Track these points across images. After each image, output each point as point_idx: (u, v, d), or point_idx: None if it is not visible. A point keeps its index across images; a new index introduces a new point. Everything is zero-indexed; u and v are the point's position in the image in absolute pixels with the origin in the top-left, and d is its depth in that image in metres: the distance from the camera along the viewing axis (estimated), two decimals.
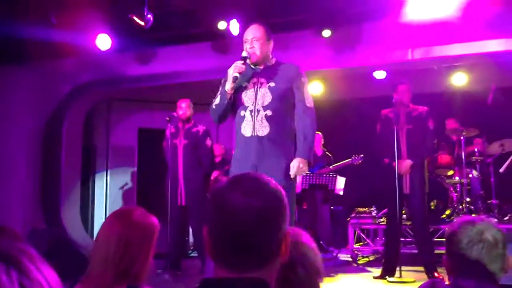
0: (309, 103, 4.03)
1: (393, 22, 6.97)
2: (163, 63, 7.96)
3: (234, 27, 6.85)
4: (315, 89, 9.23)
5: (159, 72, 8.03)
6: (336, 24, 6.87)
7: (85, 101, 8.79)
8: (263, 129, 3.88)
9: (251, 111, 3.92)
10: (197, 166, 6.83)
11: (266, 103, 3.91)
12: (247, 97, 3.97)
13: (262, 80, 3.98)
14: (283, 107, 3.95)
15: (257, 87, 3.96)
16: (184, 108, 6.85)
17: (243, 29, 6.79)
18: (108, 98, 9.45)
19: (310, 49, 7.48)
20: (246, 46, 4.01)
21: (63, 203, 8.33)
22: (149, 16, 6.54)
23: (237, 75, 3.86)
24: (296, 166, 3.85)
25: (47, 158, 8.40)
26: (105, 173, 9.55)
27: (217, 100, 4.02)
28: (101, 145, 9.59)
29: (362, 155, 7.99)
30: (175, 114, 6.82)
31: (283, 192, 1.41)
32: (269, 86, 3.95)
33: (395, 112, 5.85)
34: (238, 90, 3.98)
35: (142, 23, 6.54)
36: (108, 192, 9.48)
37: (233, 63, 3.97)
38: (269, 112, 3.89)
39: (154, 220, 2.25)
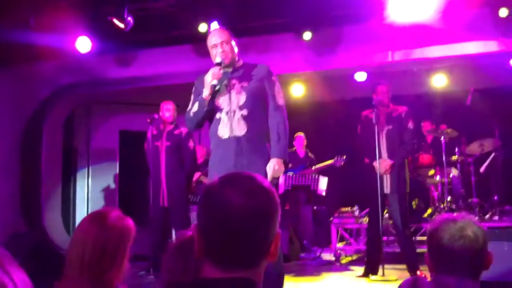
0: (280, 101, 4.04)
1: (373, 24, 7.04)
2: (143, 65, 7.94)
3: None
4: (296, 91, 9.27)
5: (140, 74, 8.01)
6: (317, 27, 6.91)
7: (65, 104, 8.73)
8: (240, 129, 3.89)
9: (227, 112, 3.93)
10: (180, 167, 6.83)
11: (241, 103, 3.93)
12: (221, 99, 3.97)
13: (234, 81, 3.99)
14: (258, 105, 3.97)
15: (230, 89, 3.97)
16: (171, 110, 6.86)
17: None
18: (88, 100, 9.39)
19: (291, 52, 7.52)
20: (217, 50, 3.99)
21: (44, 206, 8.27)
22: (129, 18, 6.52)
23: (216, 82, 3.88)
24: (272, 167, 3.85)
25: (28, 161, 8.32)
26: (86, 175, 9.49)
27: (194, 108, 4.00)
28: (82, 148, 9.52)
29: (344, 156, 8.05)
30: (156, 115, 6.80)
31: (275, 193, 1.42)
32: (242, 86, 3.97)
33: (375, 113, 5.90)
34: (213, 94, 3.97)
35: (122, 25, 6.52)
36: (89, 194, 9.43)
37: (214, 66, 3.97)
38: (244, 112, 3.91)
39: (130, 222, 2.23)
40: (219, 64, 3.93)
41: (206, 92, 3.92)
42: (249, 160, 3.87)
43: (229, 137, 3.91)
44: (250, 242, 1.35)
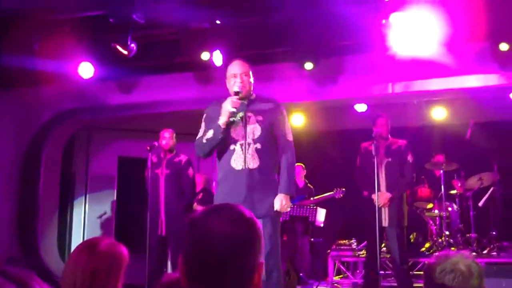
0: (290, 137, 4.19)
1: (374, 56, 7.09)
2: (145, 92, 7.97)
3: (217, 58, 6.90)
4: (296, 120, 9.29)
5: (141, 101, 8.03)
6: (318, 57, 6.95)
7: (65, 129, 8.74)
8: (254, 162, 3.98)
9: (241, 144, 4.00)
10: (179, 196, 6.80)
11: (256, 137, 4.01)
12: (236, 131, 4.03)
13: (249, 114, 4.07)
14: (270, 140, 4.07)
15: (246, 121, 4.04)
16: (167, 138, 6.85)
17: (226, 60, 6.90)
18: (89, 126, 9.40)
19: (292, 81, 7.55)
20: (236, 80, 4.07)
21: (40, 231, 8.21)
22: (132, 45, 6.56)
23: (234, 109, 3.95)
24: (279, 203, 3.97)
25: (26, 184, 8.30)
26: (83, 201, 9.44)
27: (208, 134, 4.04)
28: (80, 173, 9.50)
29: (344, 189, 8.02)
30: (156, 143, 6.79)
31: (258, 223, 1.47)
32: (257, 120, 4.05)
33: (374, 145, 5.90)
34: (227, 124, 4.02)
35: (125, 52, 6.56)
36: (86, 221, 9.37)
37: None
38: (258, 145, 4.00)
39: (123, 249, 2.24)
40: (236, 93, 3.99)
41: (223, 119, 3.98)
42: (261, 193, 3.98)
43: (242, 169, 3.97)
44: (232, 269, 1.39)
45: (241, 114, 4.04)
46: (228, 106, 3.95)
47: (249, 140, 4.00)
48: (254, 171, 3.97)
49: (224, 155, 4.06)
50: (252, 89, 4.18)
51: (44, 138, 8.41)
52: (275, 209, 3.99)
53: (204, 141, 4.07)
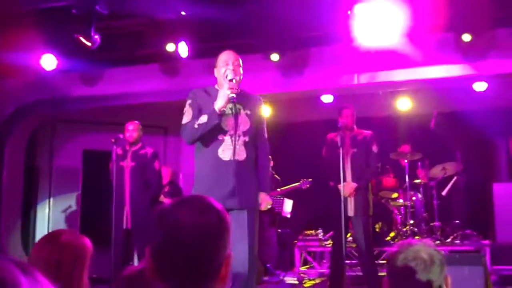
0: (266, 134, 4.23)
1: (340, 47, 7.12)
2: (110, 84, 7.87)
3: (182, 49, 6.84)
4: (263, 112, 9.28)
5: (106, 93, 7.93)
6: (284, 48, 6.96)
7: (28, 122, 8.59)
8: (241, 154, 3.97)
9: (231, 135, 3.97)
10: (144, 188, 6.75)
11: (245, 129, 4.01)
12: (226, 121, 3.98)
13: (239, 106, 4.04)
14: (254, 134, 4.09)
15: (237, 113, 4.02)
16: (130, 130, 6.79)
17: (191, 51, 6.86)
18: (52, 119, 9.25)
19: (259, 73, 7.54)
20: (228, 67, 4.03)
21: (4, 227, 8.06)
22: (96, 36, 6.47)
23: (234, 95, 3.90)
24: (265, 202, 4.08)
25: None
26: (48, 196, 9.28)
27: (203, 119, 3.92)
28: (45, 167, 9.33)
29: (310, 180, 8.06)
30: (121, 135, 6.73)
31: (227, 215, 1.47)
32: (246, 113, 4.06)
33: (340, 135, 5.94)
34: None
35: (88, 43, 6.46)
36: (51, 216, 9.22)
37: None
38: (247, 138, 4.01)
39: (86, 241, 2.21)
40: (231, 81, 3.96)
41: (220, 103, 3.91)
42: (247, 184, 3.99)
43: (230, 159, 3.95)
44: (201, 261, 1.38)
45: (230, 106, 3.99)
46: (227, 91, 3.91)
47: (239, 132, 3.99)
48: (242, 163, 3.97)
49: (211, 145, 3.99)
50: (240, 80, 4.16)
51: (7, 132, 8.25)
52: (262, 208, 4.08)
53: (196, 126, 3.95)
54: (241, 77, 4.14)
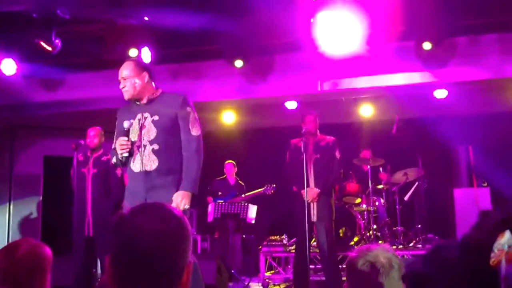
0: (195, 132, 3.98)
1: (303, 54, 7.19)
2: (71, 89, 7.78)
3: (145, 54, 6.80)
4: (227, 118, 9.31)
5: (67, 98, 7.83)
6: (248, 55, 6.98)
7: None
8: (151, 164, 3.88)
9: (138, 146, 3.92)
10: (106, 195, 6.66)
11: (152, 137, 3.91)
12: (133, 133, 3.94)
13: (146, 114, 3.96)
14: (171, 139, 3.94)
15: (142, 122, 3.95)
16: (92, 136, 6.70)
17: (154, 57, 6.82)
18: (12, 124, 9.07)
19: (223, 79, 7.56)
20: (120, 86, 3.99)
21: None
22: (57, 41, 6.38)
23: (126, 154, 3.90)
24: (175, 200, 3.82)
25: None
26: (7, 203, 9.08)
27: (113, 159, 4.06)
28: (4, 173, 9.14)
29: (274, 185, 8.09)
30: (82, 141, 6.63)
31: (187, 222, 1.44)
32: (153, 120, 3.94)
33: (303, 141, 5.98)
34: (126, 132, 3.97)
35: (49, 48, 6.37)
36: (11, 224, 9.03)
37: None
38: (156, 146, 3.90)
39: (46, 250, 2.18)
40: (127, 129, 3.93)
41: (115, 159, 4.02)
42: (161, 192, 3.85)
43: (139, 171, 3.91)
44: (161, 268, 1.35)
45: (138, 117, 3.96)
46: (119, 151, 3.92)
47: (144, 142, 3.90)
48: (151, 173, 3.87)
49: (129, 158, 3.98)
50: (147, 87, 3.98)
51: None
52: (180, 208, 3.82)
53: (114, 160, 4.07)
54: (135, 91, 3.94)
